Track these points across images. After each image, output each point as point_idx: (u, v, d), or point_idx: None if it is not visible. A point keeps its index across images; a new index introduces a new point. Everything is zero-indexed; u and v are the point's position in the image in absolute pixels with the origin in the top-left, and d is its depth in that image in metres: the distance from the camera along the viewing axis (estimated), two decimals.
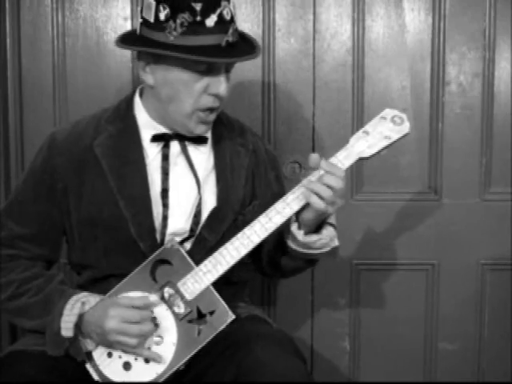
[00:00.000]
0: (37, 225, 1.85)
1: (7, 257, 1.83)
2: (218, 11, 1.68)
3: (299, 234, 1.73)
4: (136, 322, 1.67)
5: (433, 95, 2.45)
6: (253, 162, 1.92)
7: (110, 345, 1.69)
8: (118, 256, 1.81)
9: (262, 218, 1.70)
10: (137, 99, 1.87)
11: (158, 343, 1.70)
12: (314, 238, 1.73)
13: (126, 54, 2.39)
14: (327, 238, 1.74)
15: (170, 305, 1.71)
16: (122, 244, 1.80)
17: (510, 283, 2.52)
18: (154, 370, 1.70)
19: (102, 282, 1.82)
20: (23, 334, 1.91)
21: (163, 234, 1.80)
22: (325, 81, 2.45)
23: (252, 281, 2.05)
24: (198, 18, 1.66)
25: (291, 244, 1.77)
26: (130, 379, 1.71)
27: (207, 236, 1.81)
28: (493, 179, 2.48)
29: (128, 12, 2.42)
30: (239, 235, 1.70)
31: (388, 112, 1.73)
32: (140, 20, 1.74)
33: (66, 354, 1.72)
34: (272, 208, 1.70)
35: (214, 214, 1.82)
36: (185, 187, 1.83)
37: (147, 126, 1.83)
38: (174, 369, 1.70)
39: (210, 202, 1.84)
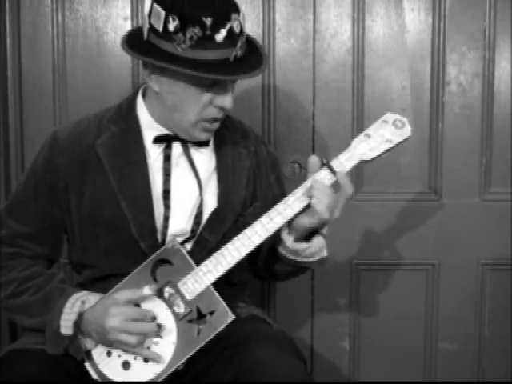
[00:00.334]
0: (37, 224, 1.85)
1: (8, 255, 1.83)
2: (228, 26, 1.66)
3: (288, 240, 1.74)
4: (137, 320, 1.67)
5: (433, 95, 2.45)
6: (254, 164, 1.92)
7: (110, 344, 1.69)
8: (118, 256, 1.81)
9: (263, 219, 1.70)
10: (139, 99, 1.86)
11: (157, 343, 1.70)
12: (303, 245, 1.74)
13: (127, 53, 2.38)
14: (316, 247, 1.75)
15: (169, 304, 1.71)
16: (123, 244, 1.80)
17: (510, 283, 2.52)
18: (153, 370, 1.70)
19: (102, 282, 1.82)
20: (23, 333, 1.90)
21: (164, 234, 1.80)
22: (325, 81, 2.45)
23: (252, 281, 2.05)
24: (208, 33, 1.65)
25: (281, 250, 1.78)
26: (129, 378, 1.71)
27: (208, 237, 1.81)
28: (493, 179, 2.48)
29: (128, 12, 2.42)
30: (240, 235, 1.71)
31: (389, 116, 1.74)
32: (148, 25, 1.71)
33: (66, 352, 1.72)
34: (273, 209, 1.70)
35: (214, 214, 1.82)
36: (186, 188, 1.83)
37: (149, 126, 1.83)
38: (173, 368, 1.69)
39: (211, 203, 1.84)
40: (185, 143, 1.83)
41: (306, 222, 1.69)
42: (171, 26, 1.65)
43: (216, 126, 1.80)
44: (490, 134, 2.46)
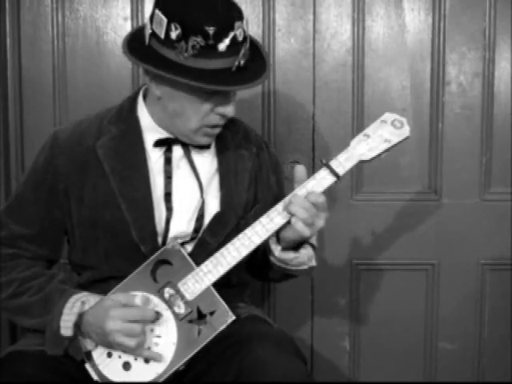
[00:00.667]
0: (37, 225, 1.84)
1: (8, 256, 1.83)
2: (231, 35, 1.64)
3: (276, 250, 1.74)
4: (137, 322, 1.67)
5: (433, 95, 2.45)
6: (256, 165, 1.92)
7: (110, 345, 1.69)
8: (118, 258, 1.81)
9: (263, 219, 1.70)
10: (140, 101, 1.85)
11: (157, 343, 1.70)
12: (290, 255, 1.74)
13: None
14: (305, 256, 1.75)
15: (170, 305, 1.71)
16: (123, 247, 1.80)
17: (510, 283, 2.52)
18: (154, 370, 1.70)
19: (102, 284, 1.81)
20: (23, 335, 1.90)
21: (165, 237, 1.80)
22: (325, 81, 2.45)
23: (252, 282, 2.05)
24: (211, 42, 1.63)
25: (271, 258, 1.78)
26: (129, 379, 1.70)
27: (209, 240, 1.80)
28: (493, 179, 2.48)
29: (128, 12, 2.42)
30: (240, 236, 1.70)
31: (388, 116, 1.74)
32: (149, 30, 1.69)
33: (66, 353, 1.72)
34: (273, 209, 1.70)
35: (216, 218, 1.82)
36: (187, 191, 1.82)
37: (150, 129, 1.82)
38: (174, 369, 1.69)
39: (212, 206, 1.83)
40: (185, 146, 1.82)
41: (290, 235, 1.70)
42: (173, 34, 1.64)
43: (217, 131, 1.80)
44: (490, 134, 2.46)
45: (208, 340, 1.69)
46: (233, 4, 1.71)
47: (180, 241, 1.78)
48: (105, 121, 1.85)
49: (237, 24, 1.65)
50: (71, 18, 2.43)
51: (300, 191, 1.69)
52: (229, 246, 1.71)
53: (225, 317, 1.69)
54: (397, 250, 2.51)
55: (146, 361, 1.70)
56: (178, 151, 1.82)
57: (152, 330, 1.70)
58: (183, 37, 1.63)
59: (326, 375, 2.55)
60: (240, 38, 1.66)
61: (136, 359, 1.71)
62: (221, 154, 1.87)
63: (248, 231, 1.70)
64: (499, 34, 2.42)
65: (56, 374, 1.67)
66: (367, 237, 2.50)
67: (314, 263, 1.78)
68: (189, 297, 1.70)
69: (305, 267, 1.77)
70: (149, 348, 1.70)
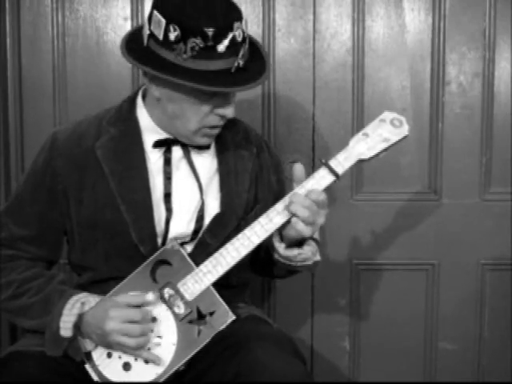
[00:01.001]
0: (36, 226, 1.84)
1: (7, 257, 1.83)
2: (230, 36, 1.63)
3: (280, 247, 1.74)
4: (137, 322, 1.66)
5: (433, 95, 2.45)
6: (256, 166, 1.91)
7: (110, 346, 1.69)
8: (118, 259, 1.80)
9: (263, 219, 1.70)
10: (139, 101, 1.85)
11: (157, 344, 1.70)
12: (294, 252, 1.74)
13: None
14: (308, 252, 1.75)
15: (170, 305, 1.71)
16: (123, 248, 1.79)
17: (510, 283, 2.52)
18: (154, 371, 1.70)
19: (101, 284, 1.81)
20: (23, 335, 1.90)
21: (165, 238, 1.79)
22: (325, 81, 2.45)
23: (252, 282, 2.05)
24: (210, 43, 1.62)
25: (275, 255, 1.78)
26: (129, 380, 1.70)
27: (209, 240, 1.80)
28: (493, 179, 2.48)
29: (128, 12, 2.42)
30: (239, 236, 1.70)
31: (387, 115, 1.74)
32: (148, 32, 1.68)
33: (65, 354, 1.71)
34: (272, 209, 1.70)
35: (217, 219, 1.82)
36: (187, 191, 1.82)
37: (149, 129, 1.82)
38: (174, 369, 1.69)
39: (212, 207, 1.83)
40: (185, 146, 1.82)
41: (292, 234, 1.70)
42: (172, 36, 1.63)
43: (217, 131, 1.79)
44: (490, 134, 2.46)
45: (208, 340, 1.69)
46: (232, 4, 1.70)
47: (179, 241, 1.78)
48: (104, 121, 1.84)
49: (236, 25, 1.64)
50: (71, 18, 2.43)
51: (299, 191, 1.69)
52: (228, 246, 1.70)
53: (225, 317, 1.70)
54: (397, 250, 2.51)
55: (146, 361, 1.70)
56: (177, 152, 1.82)
57: (152, 331, 1.70)
58: (182, 38, 1.62)
59: (325, 375, 2.55)
60: (239, 39, 1.66)
61: (136, 359, 1.71)
62: (221, 154, 1.86)
63: (247, 231, 1.70)
64: (499, 34, 2.42)
65: (56, 375, 1.67)
66: (367, 237, 2.50)
67: (318, 258, 1.78)
68: (188, 297, 1.70)
69: (309, 262, 1.77)
70: (149, 349, 1.70)
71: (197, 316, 1.70)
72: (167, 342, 1.70)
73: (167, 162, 1.81)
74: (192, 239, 1.81)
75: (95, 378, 1.72)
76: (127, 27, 2.40)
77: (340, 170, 1.69)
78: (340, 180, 1.70)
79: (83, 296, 1.74)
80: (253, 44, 1.78)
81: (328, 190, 1.70)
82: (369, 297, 2.54)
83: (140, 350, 1.68)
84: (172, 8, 1.64)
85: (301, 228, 1.65)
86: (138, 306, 1.69)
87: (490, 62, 2.43)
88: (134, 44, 1.72)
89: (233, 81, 1.66)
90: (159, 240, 1.79)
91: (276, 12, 2.42)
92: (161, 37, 1.65)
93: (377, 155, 1.71)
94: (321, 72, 2.44)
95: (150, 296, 1.69)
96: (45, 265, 1.88)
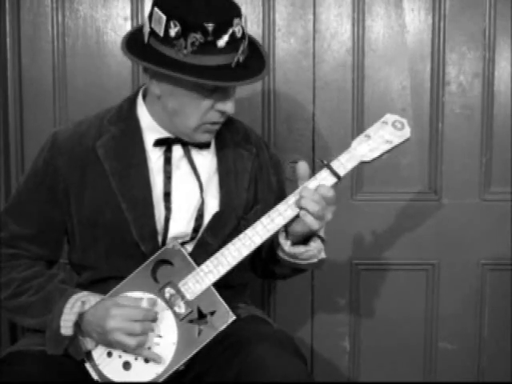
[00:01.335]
0: (37, 225, 1.84)
1: (8, 256, 1.83)
2: (230, 31, 1.65)
3: (286, 245, 1.74)
4: (137, 321, 1.66)
5: (433, 95, 2.45)
6: (256, 166, 1.92)
7: (110, 344, 1.69)
8: (118, 258, 1.81)
9: (264, 219, 1.70)
10: (140, 101, 1.85)
11: (158, 343, 1.70)
12: (301, 249, 1.74)
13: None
14: (314, 249, 1.75)
15: (170, 305, 1.71)
16: (124, 246, 1.80)
17: (510, 283, 2.52)
18: (154, 370, 1.70)
19: (101, 284, 1.81)
20: (23, 335, 1.90)
21: (165, 236, 1.80)
22: (325, 81, 2.45)
23: (252, 282, 2.05)
24: (210, 38, 1.63)
25: (279, 253, 1.78)
26: (129, 379, 1.70)
27: (209, 240, 1.80)
28: (493, 179, 2.48)
29: (128, 12, 2.42)
30: (241, 236, 1.70)
31: (389, 117, 1.74)
32: (148, 29, 1.69)
33: (66, 353, 1.72)
34: (274, 209, 1.70)
35: (216, 218, 1.82)
36: (187, 190, 1.82)
37: (150, 128, 1.82)
38: (174, 369, 1.69)
39: (212, 206, 1.83)
40: (185, 146, 1.82)
41: (299, 229, 1.70)
42: (172, 32, 1.64)
43: (217, 127, 1.80)
44: (490, 134, 2.46)
45: (208, 340, 1.69)
46: (231, 2, 1.72)
47: (180, 241, 1.78)
48: (104, 121, 1.85)
49: (235, 21, 1.66)
50: (71, 18, 2.43)
51: (292, 198, 1.69)
52: (229, 246, 1.71)
53: (225, 317, 1.70)
54: (397, 250, 2.51)
55: (146, 360, 1.70)
56: (177, 151, 1.83)
57: (152, 330, 1.70)
58: (182, 34, 1.63)
59: (326, 375, 2.55)
60: (239, 35, 1.67)
61: (136, 359, 1.71)
62: (220, 153, 1.87)
63: (249, 231, 1.70)
64: (499, 34, 2.42)
65: (56, 374, 1.67)
66: (367, 237, 2.50)
67: (323, 256, 1.79)
68: (189, 297, 1.70)
69: (315, 260, 1.77)
70: (149, 348, 1.70)
71: (197, 316, 1.70)
72: (167, 342, 1.70)
73: (167, 161, 1.82)
74: (192, 239, 1.81)
75: (95, 377, 1.72)
76: (127, 27, 2.40)
77: (342, 172, 1.69)
78: (341, 182, 1.70)
79: (84, 295, 1.74)
80: (252, 43, 1.79)
81: None
82: (369, 297, 2.54)
83: (140, 348, 1.68)
84: (172, 4, 1.66)
85: (309, 221, 1.65)
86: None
87: (490, 62, 2.43)
88: (134, 43, 1.74)
89: (233, 75, 1.68)
90: (159, 238, 1.79)
91: (276, 12, 2.42)
92: (161, 33, 1.66)
93: (379, 157, 1.71)
94: (321, 72, 2.45)
95: (155, 298, 1.69)
96: (45, 264, 1.88)
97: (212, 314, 1.70)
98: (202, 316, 1.70)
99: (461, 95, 2.45)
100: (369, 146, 1.71)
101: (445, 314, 2.53)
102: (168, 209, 1.80)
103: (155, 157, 1.82)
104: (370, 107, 2.45)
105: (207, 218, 1.82)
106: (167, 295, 1.71)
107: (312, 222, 1.66)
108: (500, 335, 2.55)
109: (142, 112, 1.83)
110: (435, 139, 2.46)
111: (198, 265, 1.71)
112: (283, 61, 2.43)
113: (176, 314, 1.71)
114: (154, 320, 1.69)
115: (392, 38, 2.43)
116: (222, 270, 1.70)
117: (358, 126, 2.43)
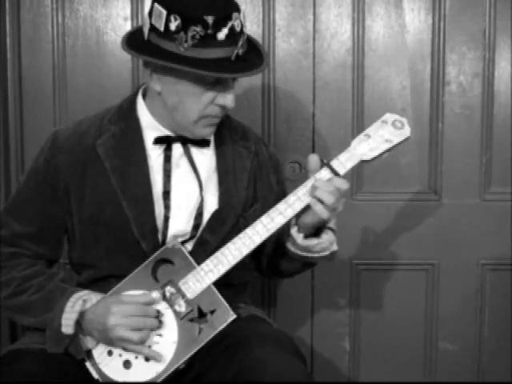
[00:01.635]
0: (38, 224, 1.84)
1: (8, 255, 1.83)
2: (230, 24, 1.66)
3: (299, 238, 1.74)
4: (139, 316, 1.67)
5: (433, 95, 2.45)
6: (255, 165, 1.92)
7: (111, 342, 1.69)
8: (119, 256, 1.81)
9: (264, 219, 1.70)
10: (140, 100, 1.86)
11: (158, 342, 1.70)
12: (313, 241, 1.74)
13: (126, 54, 2.39)
14: (327, 242, 1.75)
15: (171, 304, 1.71)
16: (124, 244, 1.80)
17: (510, 283, 2.52)
18: (154, 369, 1.70)
19: (102, 282, 1.82)
20: (23, 334, 1.90)
21: (165, 235, 1.80)
22: (325, 81, 2.45)
23: (252, 282, 2.05)
24: (210, 31, 1.65)
25: (290, 247, 1.78)
26: (129, 378, 1.71)
27: (208, 238, 1.81)
28: (493, 179, 2.48)
29: (128, 12, 2.42)
30: (241, 235, 1.71)
31: (389, 116, 1.75)
32: (148, 26, 1.71)
33: (66, 352, 1.72)
34: (274, 209, 1.70)
35: (215, 216, 1.82)
36: (186, 189, 1.83)
37: (150, 127, 1.83)
38: (174, 368, 1.70)
39: (211, 204, 1.84)
40: (185, 144, 1.83)
41: (308, 220, 1.70)
42: (173, 26, 1.66)
43: (217, 120, 1.80)
44: (490, 134, 2.46)
45: (208, 339, 1.69)
46: None
47: (180, 239, 1.78)
48: (105, 120, 1.85)
49: (234, 15, 1.68)
50: (71, 18, 2.43)
51: (301, 191, 1.70)
52: (230, 245, 1.71)
53: (225, 316, 1.70)
54: (397, 250, 2.51)
55: (147, 359, 1.70)
56: (177, 149, 1.83)
57: (155, 326, 1.70)
58: (182, 27, 1.65)
59: (325, 375, 2.55)
60: (238, 29, 1.69)
61: (136, 357, 1.71)
62: (220, 152, 1.88)
63: (249, 230, 1.71)
64: (499, 34, 2.42)
65: (56, 373, 1.67)
66: (367, 237, 2.50)
67: (335, 247, 1.78)
68: (190, 296, 1.71)
69: (327, 253, 1.77)
70: (149, 346, 1.70)
71: (198, 314, 1.70)
72: (168, 340, 1.70)
73: (167, 159, 1.82)
74: (192, 237, 1.81)
75: (95, 376, 1.72)
76: (127, 27, 2.41)
77: (341, 171, 1.69)
78: None
79: (85, 294, 1.74)
80: (250, 41, 1.80)
81: None
82: (369, 297, 2.54)
83: (141, 346, 1.68)
84: None
85: (319, 209, 1.65)
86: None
87: (490, 62, 2.43)
88: (134, 40, 1.76)
89: (234, 68, 1.69)
90: (160, 236, 1.80)
91: (276, 12, 2.42)
92: (162, 28, 1.67)
93: (379, 156, 1.71)
94: (321, 72, 2.45)
95: (155, 294, 1.70)
96: (45, 263, 1.88)
97: (212, 312, 1.70)
98: (202, 315, 1.70)
99: (461, 95, 2.45)
100: (369, 145, 1.71)
101: (445, 314, 2.53)
102: (167, 207, 1.80)
103: (155, 155, 1.82)
104: (370, 107, 2.45)
105: (206, 217, 1.82)
106: (167, 294, 1.71)
107: (321, 211, 1.66)
108: (500, 335, 2.55)
109: (142, 111, 1.84)
110: (435, 139, 2.46)
111: (198, 263, 1.72)
112: (283, 61, 2.43)
113: (176, 313, 1.71)
114: (155, 317, 1.69)
115: (392, 38, 2.43)
116: (222, 268, 1.70)
117: (358, 125, 2.43)
